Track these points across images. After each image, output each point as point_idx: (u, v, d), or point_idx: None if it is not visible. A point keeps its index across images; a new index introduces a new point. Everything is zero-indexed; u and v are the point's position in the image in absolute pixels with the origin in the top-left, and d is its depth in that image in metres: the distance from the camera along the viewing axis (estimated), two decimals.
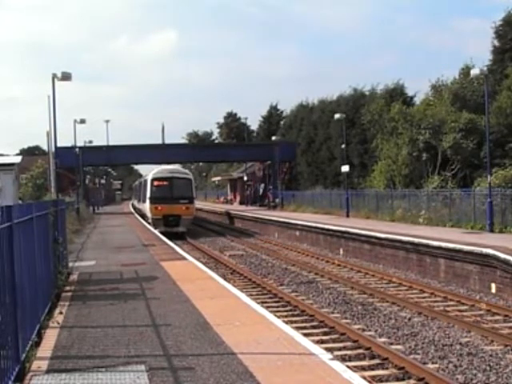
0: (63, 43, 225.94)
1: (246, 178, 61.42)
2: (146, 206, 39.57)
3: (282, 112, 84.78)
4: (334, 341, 11.57)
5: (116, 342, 8.87)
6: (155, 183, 38.50)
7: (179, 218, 36.99)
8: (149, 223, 38.78)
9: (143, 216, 44.49)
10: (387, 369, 9.77)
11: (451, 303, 15.20)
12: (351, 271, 21.48)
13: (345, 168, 37.44)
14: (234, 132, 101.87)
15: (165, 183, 38.20)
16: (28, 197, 51.98)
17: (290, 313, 14.26)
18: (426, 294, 16.52)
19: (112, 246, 25.04)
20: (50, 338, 9.23)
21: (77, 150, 51.33)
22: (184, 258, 20.10)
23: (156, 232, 32.48)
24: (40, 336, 9.03)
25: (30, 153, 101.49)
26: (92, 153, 54.48)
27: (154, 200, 37.75)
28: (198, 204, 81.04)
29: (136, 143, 57.30)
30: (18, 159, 33.84)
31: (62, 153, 45.01)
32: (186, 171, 43.98)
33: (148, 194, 38.70)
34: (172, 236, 32.02)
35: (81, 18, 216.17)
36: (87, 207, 54.40)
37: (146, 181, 42.37)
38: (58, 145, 35.26)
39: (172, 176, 38.63)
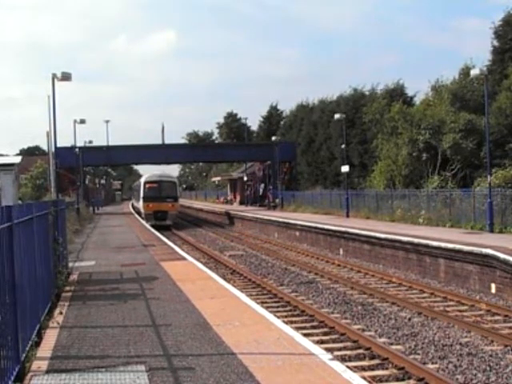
0: (63, 43, 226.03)
1: (245, 178, 61.44)
2: (140, 204, 47.88)
3: (281, 112, 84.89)
4: (333, 341, 11.56)
5: (116, 341, 8.87)
6: (147, 185, 46.46)
7: (166, 213, 44.89)
8: (142, 218, 45.91)
9: (139, 212, 51.62)
10: (387, 369, 9.77)
11: (451, 303, 15.20)
12: (351, 271, 21.48)
13: (345, 168, 37.43)
14: (234, 132, 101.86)
15: (155, 185, 46.12)
16: (28, 197, 51.42)
17: (290, 313, 14.25)
18: (425, 294, 16.51)
19: (112, 246, 25.06)
20: (50, 338, 9.24)
21: (77, 150, 51.30)
22: (184, 258, 20.12)
23: (156, 232, 32.58)
24: (40, 336, 9.04)
25: (30, 153, 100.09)
26: (92, 153, 54.49)
27: (146, 199, 45.67)
28: (198, 204, 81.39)
29: (136, 143, 57.17)
30: (18, 159, 33.01)
31: (62, 153, 45.04)
32: (172, 176, 52.44)
33: (141, 194, 46.82)
34: (161, 228, 39.05)
35: (81, 17, 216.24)
36: (87, 207, 54.43)
37: (140, 183, 50.94)
38: (58, 145, 35.23)
39: (160, 180, 46.72)
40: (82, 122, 44.07)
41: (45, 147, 49.80)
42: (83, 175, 56.62)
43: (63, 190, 46.40)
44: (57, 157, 36.04)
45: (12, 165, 27.04)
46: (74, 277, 15.98)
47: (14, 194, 25.38)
